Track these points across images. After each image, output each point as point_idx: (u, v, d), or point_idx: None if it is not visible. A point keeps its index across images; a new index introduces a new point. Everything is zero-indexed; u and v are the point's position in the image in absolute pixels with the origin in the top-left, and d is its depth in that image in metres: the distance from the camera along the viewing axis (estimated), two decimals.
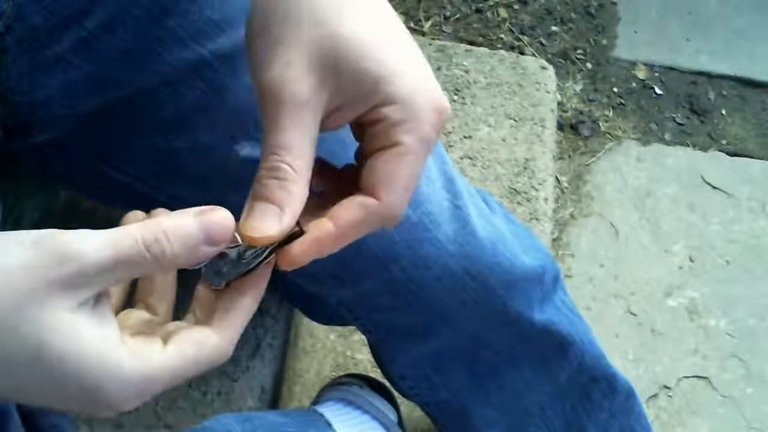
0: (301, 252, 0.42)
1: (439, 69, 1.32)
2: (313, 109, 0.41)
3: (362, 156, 0.44)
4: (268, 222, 0.41)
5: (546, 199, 1.22)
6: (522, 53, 1.52)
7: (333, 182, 0.46)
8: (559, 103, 1.49)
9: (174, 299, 0.47)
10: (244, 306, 0.41)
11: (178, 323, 0.43)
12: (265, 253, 0.41)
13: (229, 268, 0.42)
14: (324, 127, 0.43)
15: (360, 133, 0.44)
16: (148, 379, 0.37)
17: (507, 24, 1.60)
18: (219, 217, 0.39)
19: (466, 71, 1.33)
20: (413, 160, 0.42)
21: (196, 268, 0.40)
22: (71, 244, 0.36)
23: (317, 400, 0.92)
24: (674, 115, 1.54)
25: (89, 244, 0.36)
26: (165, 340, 0.39)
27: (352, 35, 0.41)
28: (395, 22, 0.44)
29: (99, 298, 0.37)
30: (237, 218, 0.45)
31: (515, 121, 1.29)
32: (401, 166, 0.42)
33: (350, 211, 0.42)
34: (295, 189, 0.41)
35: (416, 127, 0.42)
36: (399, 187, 0.42)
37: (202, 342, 0.39)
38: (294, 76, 0.41)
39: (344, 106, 0.42)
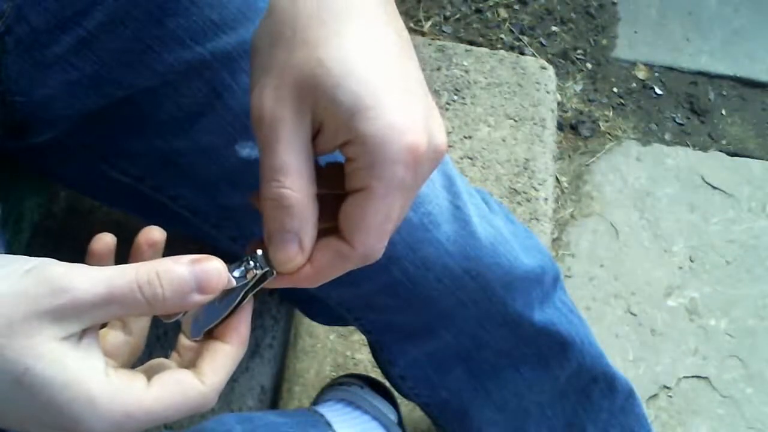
0: (278, 286, 0.43)
1: (439, 69, 1.32)
2: (301, 130, 0.40)
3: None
4: (290, 252, 0.41)
5: (546, 199, 1.22)
6: (522, 53, 1.52)
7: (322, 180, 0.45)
8: (559, 103, 1.49)
9: (150, 320, 0.47)
10: (229, 353, 0.42)
11: (163, 361, 0.43)
12: (239, 298, 0.42)
13: (205, 318, 0.42)
14: (314, 150, 0.42)
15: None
16: (128, 416, 0.37)
17: (507, 24, 1.60)
18: (212, 266, 0.39)
19: (466, 71, 1.33)
20: (384, 204, 0.40)
21: (173, 320, 0.41)
22: (66, 276, 0.36)
23: (317, 401, 0.92)
24: (674, 115, 1.54)
25: (84, 279, 0.36)
26: (149, 376, 0.39)
27: (334, 61, 0.39)
28: (391, 45, 0.42)
29: (86, 330, 0.38)
30: (237, 219, 0.45)
31: (515, 121, 1.29)
32: (371, 211, 0.40)
33: (326, 255, 0.42)
34: (306, 212, 0.41)
35: (386, 172, 0.40)
36: (371, 233, 0.41)
37: (185, 386, 0.39)
38: (283, 98, 0.40)
39: (323, 133, 0.41)
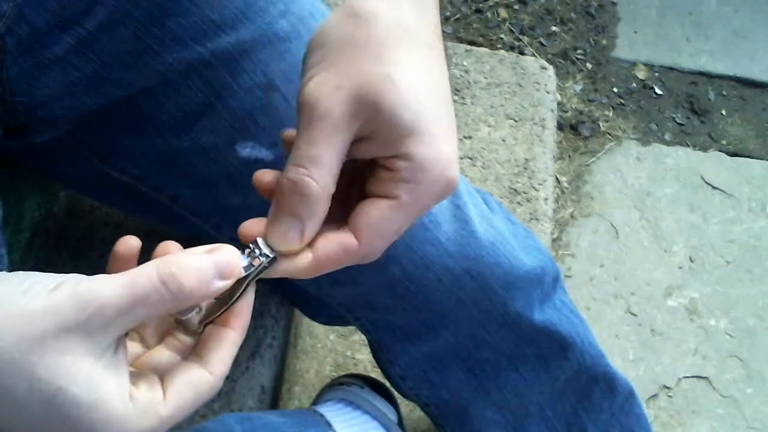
0: (278, 276, 0.44)
1: None
2: (347, 131, 0.42)
3: (360, 190, 0.45)
4: (290, 236, 0.43)
5: (546, 199, 1.22)
6: (522, 53, 1.52)
7: None
8: (559, 103, 1.49)
9: (167, 334, 0.48)
10: (234, 339, 0.43)
11: (163, 353, 0.44)
12: (244, 285, 0.42)
13: (208, 309, 0.42)
14: (350, 153, 0.44)
15: (366, 167, 0.45)
16: (151, 431, 0.39)
17: (507, 24, 1.60)
18: (228, 253, 0.40)
19: (466, 71, 1.33)
20: (405, 217, 0.43)
21: (187, 317, 0.42)
22: (90, 288, 0.37)
23: (317, 400, 0.92)
24: (674, 115, 1.54)
25: (106, 286, 0.37)
26: (159, 375, 0.41)
27: (400, 80, 0.42)
28: (443, 80, 0.45)
29: (118, 347, 0.38)
30: (237, 220, 0.45)
31: (515, 121, 1.29)
32: (392, 219, 0.43)
33: (330, 247, 0.44)
34: (318, 206, 0.42)
35: (420, 192, 0.43)
36: (382, 237, 0.44)
37: (197, 384, 0.41)
38: (341, 99, 0.42)
39: (372, 142, 0.43)
